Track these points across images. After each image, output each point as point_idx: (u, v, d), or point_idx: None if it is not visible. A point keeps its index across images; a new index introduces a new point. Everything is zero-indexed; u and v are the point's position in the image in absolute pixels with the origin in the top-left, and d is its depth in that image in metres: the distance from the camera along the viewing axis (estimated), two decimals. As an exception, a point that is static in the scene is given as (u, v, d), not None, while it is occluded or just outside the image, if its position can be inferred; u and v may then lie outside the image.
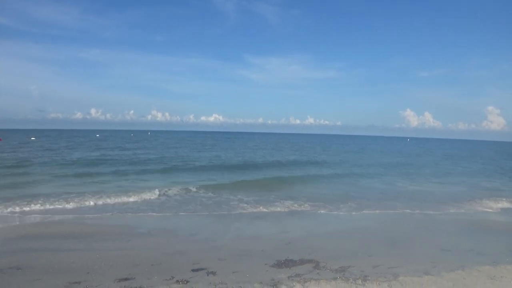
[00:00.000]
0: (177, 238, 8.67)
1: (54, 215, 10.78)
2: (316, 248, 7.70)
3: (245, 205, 12.86)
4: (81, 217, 10.58)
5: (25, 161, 25.26)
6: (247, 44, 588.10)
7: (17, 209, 11.12)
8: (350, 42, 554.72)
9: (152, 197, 13.74)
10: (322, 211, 12.16)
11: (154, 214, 11.29)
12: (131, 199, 13.20)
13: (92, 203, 12.39)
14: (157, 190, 14.79)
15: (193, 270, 6.13)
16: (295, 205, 12.94)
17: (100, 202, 12.51)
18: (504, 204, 14.50)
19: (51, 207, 11.62)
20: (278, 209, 12.43)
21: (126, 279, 5.65)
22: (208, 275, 5.87)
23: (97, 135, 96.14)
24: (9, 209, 11.03)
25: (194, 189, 15.59)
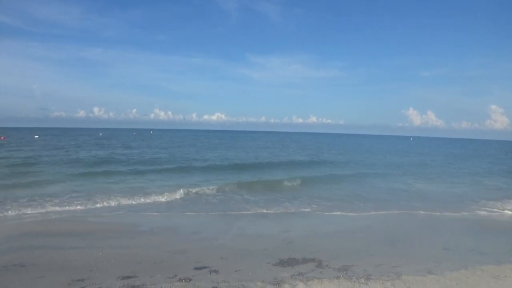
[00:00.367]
0: (179, 237, 8.69)
1: (58, 213, 10.85)
2: (319, 247, 7.68)
3: (249, 205, 12.82)
4: (85, 216, 10.64)
5: (30, 158, 25.46)
6: (249, 43, 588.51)
7: (22, 207, 11.18)
8: (352, 41, 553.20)
9: (158, 197, 13.73)
10: (326, 212, 12.10)
11: (157, 213, 11.30)
12: (136, 198, 13.20)
13: (96, 201, 12.43)
14: (164, 189, 14.83)
15: (196, 269, 6.15)
16: (301, 206, 12.82)
17: (104, 201, 12.51)
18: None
19: (55, 205, 11.67)
20: (282, 209, 12.36)
21: (129, 277, 5.67)
22: (210, 274, 5.88)
23: (100, 134, 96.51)
24: (14, 207, 11.10)
25: (200, 189, 15.52)
